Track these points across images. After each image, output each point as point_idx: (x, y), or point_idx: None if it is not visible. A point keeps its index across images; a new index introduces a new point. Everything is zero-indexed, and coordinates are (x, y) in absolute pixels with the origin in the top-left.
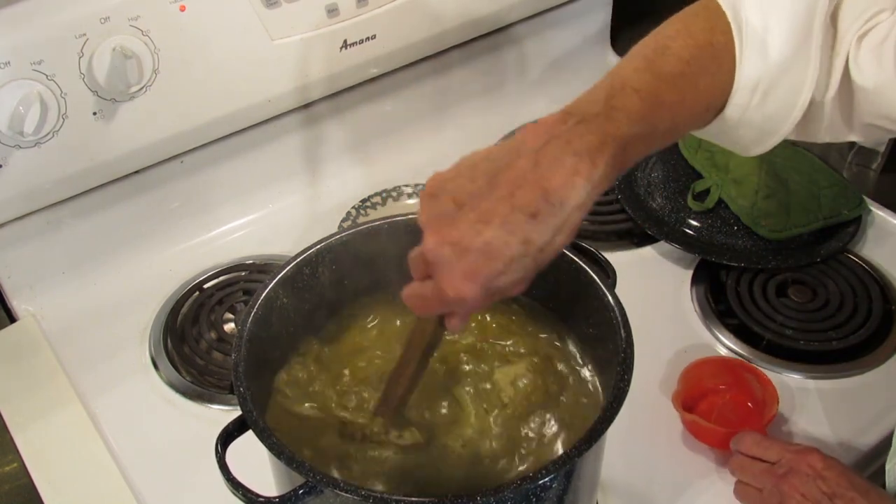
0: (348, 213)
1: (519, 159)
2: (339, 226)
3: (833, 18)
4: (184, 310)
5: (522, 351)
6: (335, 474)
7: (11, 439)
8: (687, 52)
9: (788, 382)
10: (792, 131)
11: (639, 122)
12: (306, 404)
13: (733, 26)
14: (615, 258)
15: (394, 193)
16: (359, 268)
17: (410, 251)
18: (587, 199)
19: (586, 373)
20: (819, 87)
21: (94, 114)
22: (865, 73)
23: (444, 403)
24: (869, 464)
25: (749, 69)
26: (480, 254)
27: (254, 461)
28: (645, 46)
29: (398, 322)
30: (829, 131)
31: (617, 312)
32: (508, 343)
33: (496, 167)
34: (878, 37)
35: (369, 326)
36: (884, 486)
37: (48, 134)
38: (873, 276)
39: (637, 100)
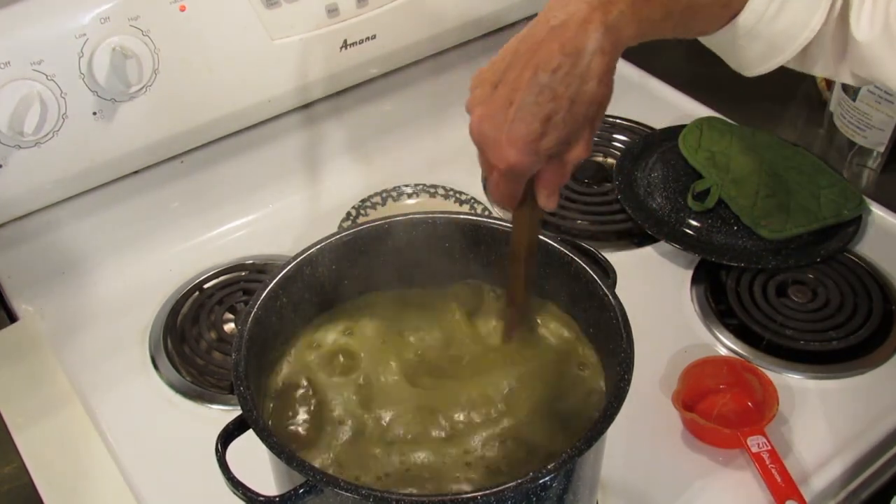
0: (348, 213)
1: (536, 25)
2: (339, 226)
3: None
4: (184, 310)
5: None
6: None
7: (11, 439)
8: None
9: (788, 382)
10: (796, 57)
11: None
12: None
13: None
14: (615, 258)
15: (394, 193)
16: (359, 268)
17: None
18: (604, 43)
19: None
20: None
21: (94, 114)
22: (862, 27)
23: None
24: (869, 464)
25: None
26: (516, 120)
27: (254, 461)
28: None
29: (398, 321)
30: (824, 68)
31: (617, 312)
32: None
33: (520, 40)
34: None
35: (369, 326)
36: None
37: (48, 134)
38: (873, 276)
39: None
